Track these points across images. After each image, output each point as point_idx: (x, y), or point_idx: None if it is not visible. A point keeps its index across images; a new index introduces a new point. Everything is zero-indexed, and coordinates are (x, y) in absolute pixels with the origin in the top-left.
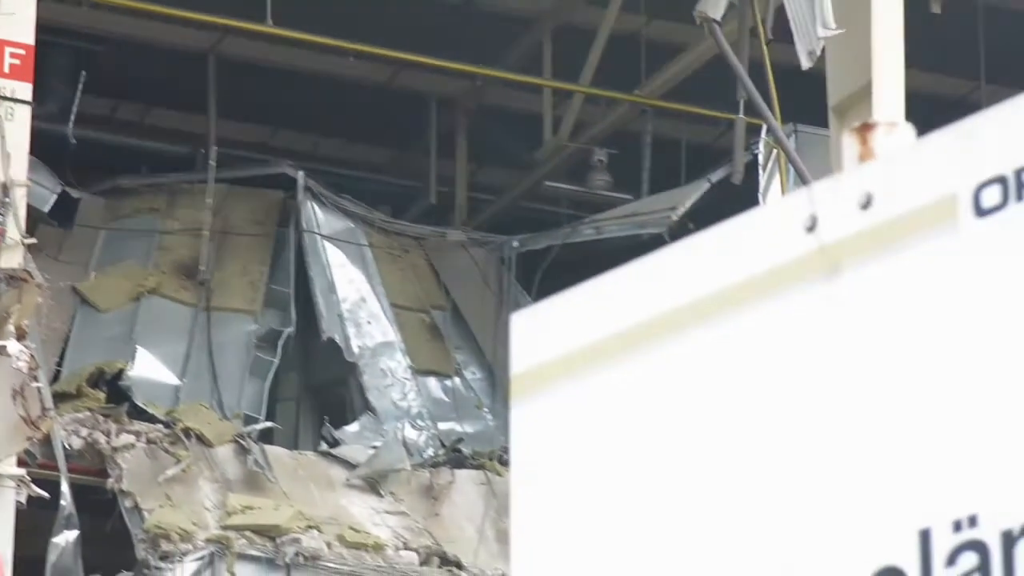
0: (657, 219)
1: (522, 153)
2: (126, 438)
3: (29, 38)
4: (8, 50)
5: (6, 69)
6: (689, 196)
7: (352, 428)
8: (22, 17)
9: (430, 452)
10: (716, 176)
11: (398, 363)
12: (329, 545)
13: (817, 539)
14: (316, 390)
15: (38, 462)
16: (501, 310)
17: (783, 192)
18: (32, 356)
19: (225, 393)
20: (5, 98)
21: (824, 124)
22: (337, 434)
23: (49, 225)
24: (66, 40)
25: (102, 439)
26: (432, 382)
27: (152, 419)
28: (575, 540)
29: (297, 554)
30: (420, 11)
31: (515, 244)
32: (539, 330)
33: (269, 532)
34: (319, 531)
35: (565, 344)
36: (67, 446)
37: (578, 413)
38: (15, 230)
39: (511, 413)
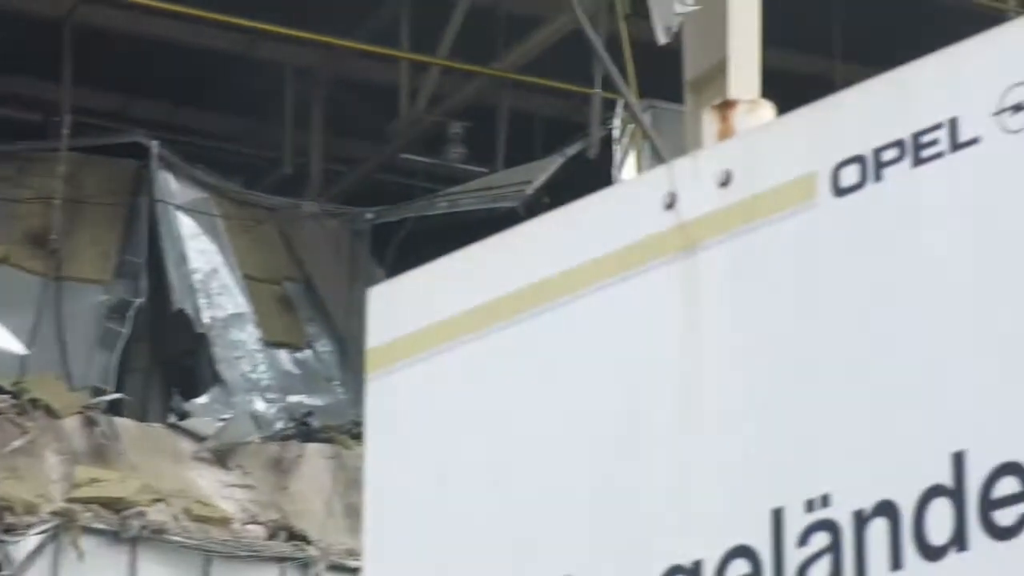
0: (512, 193)
1: (378, 125)
2: None
3: None
4: None
5: None
6: (544, 170)
7: (201, 400)
8: None
9: (279, 425)
10: (571, 150)
11: (249, 335)
12: (175, 518)
13: (669, 517)
14: (166, 362)
15: None
16: (354, 283)
17: (638, 168)
18: None
19: (74, 364)
20: None
21: (681, 100)
22: (186, 406)
23: None
24: None
25: None
26: (283, 355)
27: None
28: (427, 512)
29: (143, 528)
30: None
31: (369, 216)
32: (395, 304)
33: (115, 505)
34: (166, 504)
35: (421, 319)
36: None
37: (432, 387)
38: None
39: (366, 386)
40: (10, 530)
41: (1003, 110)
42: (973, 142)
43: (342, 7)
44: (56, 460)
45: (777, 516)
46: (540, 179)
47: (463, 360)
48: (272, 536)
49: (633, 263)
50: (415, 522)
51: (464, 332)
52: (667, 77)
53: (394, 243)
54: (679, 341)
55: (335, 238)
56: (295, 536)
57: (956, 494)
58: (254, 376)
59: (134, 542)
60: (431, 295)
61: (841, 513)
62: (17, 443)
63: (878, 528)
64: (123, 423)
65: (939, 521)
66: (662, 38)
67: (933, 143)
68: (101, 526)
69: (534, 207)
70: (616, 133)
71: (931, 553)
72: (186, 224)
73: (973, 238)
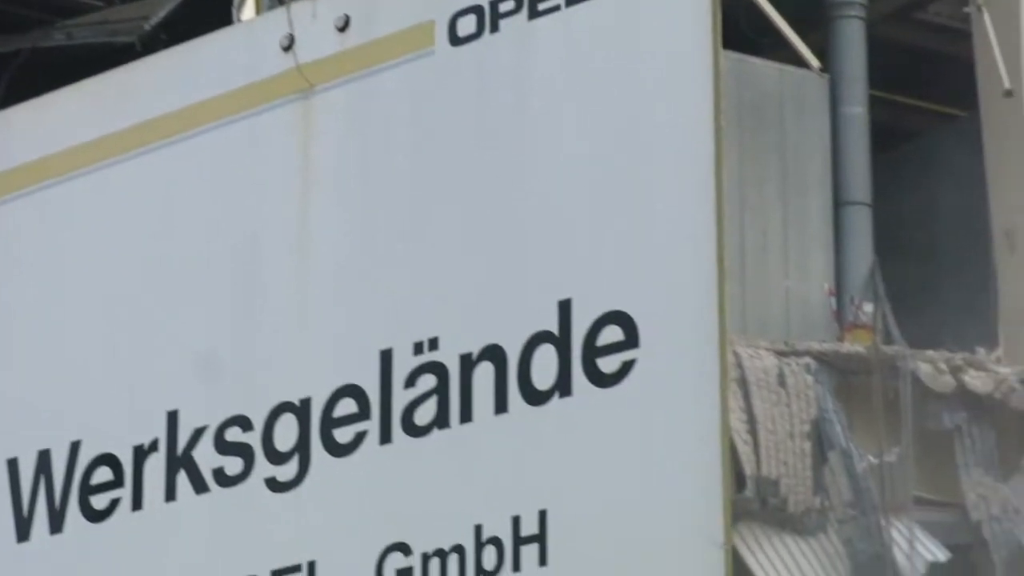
0: (129, 27)
1: None
2: None
3: None
4: None
5: None
6: (163, 6)
7: None
8: None
9: None
10: None
11: None
12: None
13: (280, 356)
14: None
15: None
16: None
17: (257, 9)
18: None
19: None
20: None
21: None
22: None
23: None
24: None
25: None
26: None
27: None
28: (39, 336)
29: None
30: None
31: None
32: (7, 136)
33: None
34: None
35: (34, 151)
36: None
37: (46, 218)
38: None
39: None
40: None
41: None
42: None
43: None
44: None
45: (386, 357)
46: (159, 15)
47: (78, 193)
48: None
49: (250, 103)
50: (27, 341)
51: (79, 166)
52: None
53: (7, 75)
54: (294, 183)
55: None
56: None
57: (561, 341)
58: None
59: None
60: (45, 128)
61: (448, 356)
62: None
63: (484, 372)
64: None
65: (544, 367)
66: None
67: None
68: None
69: (152, 43)
70: None
71: (535, 397)
72: None
73: (583, 90)
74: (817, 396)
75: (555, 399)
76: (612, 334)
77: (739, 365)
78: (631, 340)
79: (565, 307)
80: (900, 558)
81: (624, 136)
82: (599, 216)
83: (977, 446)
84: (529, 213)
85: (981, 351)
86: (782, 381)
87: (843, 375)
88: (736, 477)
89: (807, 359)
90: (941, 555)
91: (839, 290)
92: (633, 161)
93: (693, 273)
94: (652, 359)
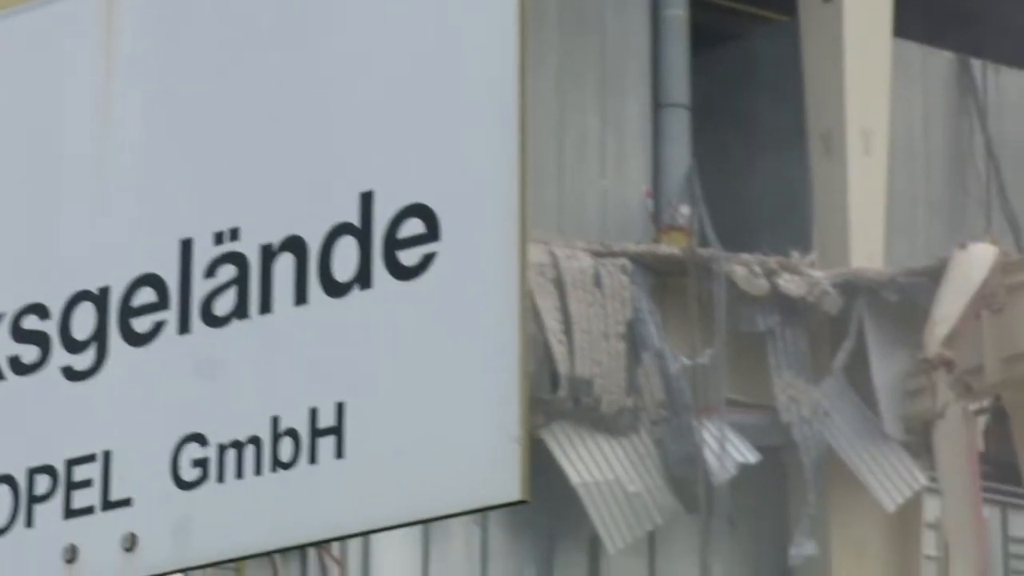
0: None
1: None
2: None
3: None
4: None
5: None
6: None
7: None
8: None
9: None
10: None
11: None
12: None
13: (79, 243)
14: None
15: None
16: None
17: None
18: None
19: None
20: None
21: None
22: None
23: None
24: None
25: None
26: None
27: None
28: None
29: None
30: None
31: None
32: None
33: None
34: None
35: None
36: None
37: None
38: None
39: None
40: None
41: None
42: None
43: None
44: None
45: (185, 247)
46: None
47: None
48: None
49: None
50: None
51: None
52: None
53: None
54: (98, 70)
55: None
56: None
57: (362, 233)
58: None
59: None
60: None
61: (249, 247)
62: None
63: (285, 263)
64: None
65: (344, 259)
66: None
67: None
68: None
69: None
70: None
71: (335, 289)
72: None
73: None
74: (632, 297)
75: (355, 291)
76: (413, 227)
77: (555, 265)
78: (432, 233)
79: (367, 199)
80: (711, 458)
81: (429, 29)
82: (403, 108)
83: (789, 349)
84: (332, 104)
85: (795, 255)
86: (598, 282)
87: (659, 276)
88: (551, 377)
89: (623, 260)
90: (751, 456)
91: (656, 192)
92: (438, 53)
93: (496, 168)
94: (453, 253)
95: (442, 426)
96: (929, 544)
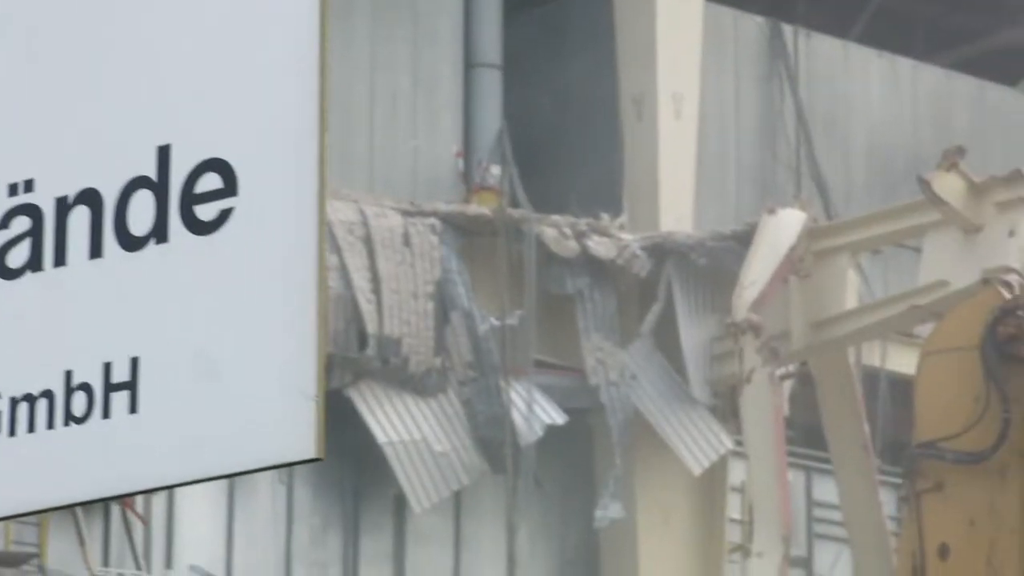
0: None
1: None
2: None
3: None
4: None
5: None
6: None
7: None
8: None
9: None
10: None
11: None
12: None
13: None
14: None
15: None
16: None
17: None
18: None
19: None
20: None
21: None
22: None
23: None
24: None
25: None
26: None
27: None
28: None
29: None
30: None
31: None
32: None
33: None
34: None
35: None
36: None
37: None
38: None
39: None
40: None
41: None
42: None
43: None
44: None
45: None
46: None
47: None
48: None
49: None
50: None
51: None
52: None
53: None
54: None
55: None
56: None
57: (159, 187)
58: None
59: None
60: None
61: (44, 199)
62: None
63: (80, 216)
64: None
65: (141, 213)
66: None
67: None
68: None
69: None
70: None
71: (131, 243)
72: None
73: None
74: (442, 257)
75: (151, 245)
76: (211, 181)
77: (365, 223)
78: (230, 188)
79: (164, 153)
80: (518, 420)
81: None
82: (203, 64)
83: (598, 311)
84: (131, 60)
85: (605, 217)
86: (407, 241)
87: (468, 237)
88: (359, 335)
89: (433, 219)
90: (559, 418)
91: (467, 152)
92: (240, 11)
93: (295, 125)
94: (250, 209)
95: (237, 383)
96: (734, 507)
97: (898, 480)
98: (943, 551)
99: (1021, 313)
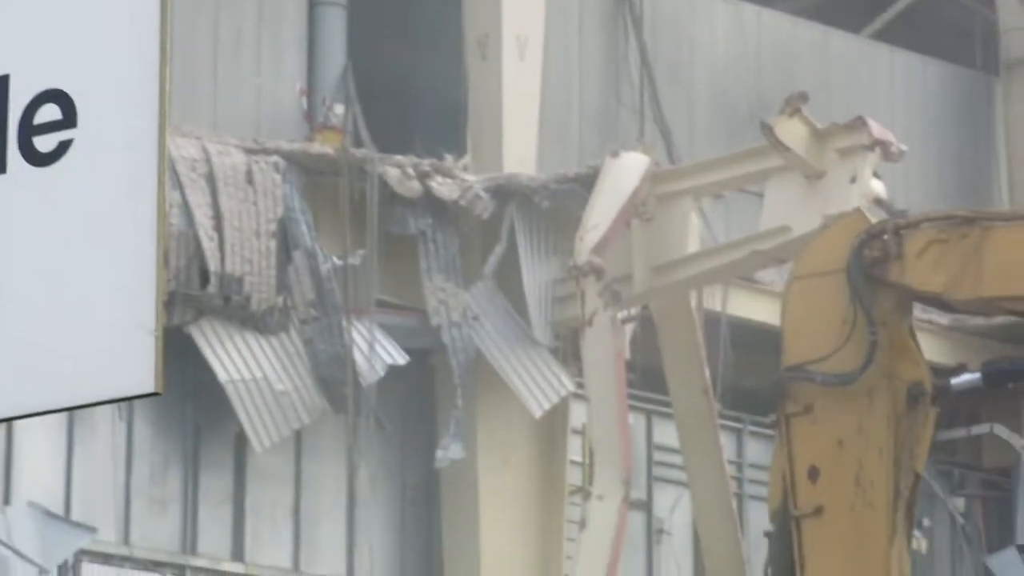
0: None
1: None
2: None
3: None
4: None
5: None
6: None
7: None
8: None
9: None
10: None
11: None
12: None
13: None
14: None
15: None
16: None
17: None
18: None
19: None
20: None
21: None
22: None
23: None
24: None
25: None
26: None
27: None
28: None
29: None
30: None
31: None
32: None
33: None
34: None
35: None
36: None
37: None
38: None
39: None
40: None
41: None
42: None
43: None
44: None
45: None
46: None
47: None
48: None
49: None
50: None
51: None
52: None
53: None
54: None
55: None
56: None
57: None
58: None
59: None
60: None
61: None
62: None
63: None
64: None
65: None
66: None
67: None
68: None
69: None
70: None
71: None
72: None
73: None
74: (284, 195)
75: None
76: (50, 112)
77: (207, 160)
78: (69, 120)
79: (2, 83)
80: (360, 359)
81: None
82: None
83: (440, 252)
84: None
85: (449, 158)
86: (250, 179)
87: (311, 176)
88: (200, 273)
89: (276, 158)
90: (400, 358)
91: (311, 90)
92: None
93: (136, 59)
94: (90, 141)
95: (76, 316)
96: (575, 450)
97: (737, 424)
98: (813, 473)
99: (887, 237)
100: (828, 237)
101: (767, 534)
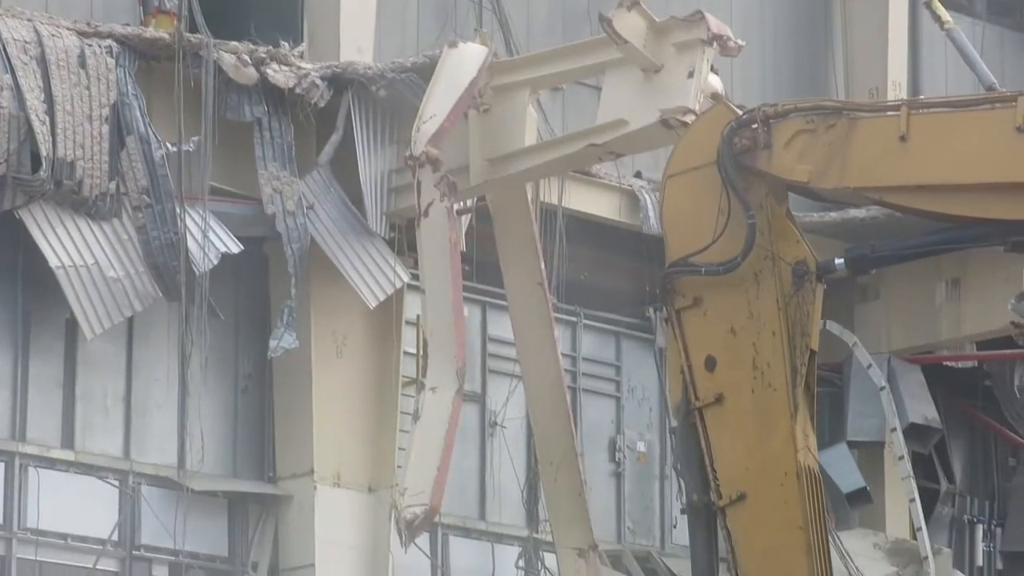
0: None
1: None
2: None
3: None
4: None
5: None
6: None
7: None
8: None
9: None
10: None
11: None
12: None
13: None
14: None
15: None
16: None
17: None
18: None
19: None
20: None
21: None
22: None
23: None
24: None
25: None
26: None
27: None
28: None
29: None
30: None
31: None
32: None
33: None
34: None
35: None
36: None
37: None
38: None
39: None
40: None
41: None
42: None
43: None
44: None
45: None
46: None
47: None
48: None
49: None
50: None
51: None
52: None
53: None
54: None
55: None
56: None
57: None
58: None
59: None
60: None
61: None
62: None
63: None
64: None
65: None
66: None
67: None
68: None
69: None
70: None
71: None
72: None
73: None
74: (118, 80)
75: None
76: None
77: (39, 43)
78: None
79: None
80: (193, 247)
81: None
82: None
83: (275, 140)
84: None
85: (285, 45)
86: (83, 62)
87: (145, 60)
88: (32, 157)
89: (110, 42)
90: (233, 246)
91: None
92: None
93: None
94: None
95: None
96: (409, 341)
97: (572, 318)
98: (709, 363)
99: (756, 127)
100: (696, 131)
101: (672, 430)
